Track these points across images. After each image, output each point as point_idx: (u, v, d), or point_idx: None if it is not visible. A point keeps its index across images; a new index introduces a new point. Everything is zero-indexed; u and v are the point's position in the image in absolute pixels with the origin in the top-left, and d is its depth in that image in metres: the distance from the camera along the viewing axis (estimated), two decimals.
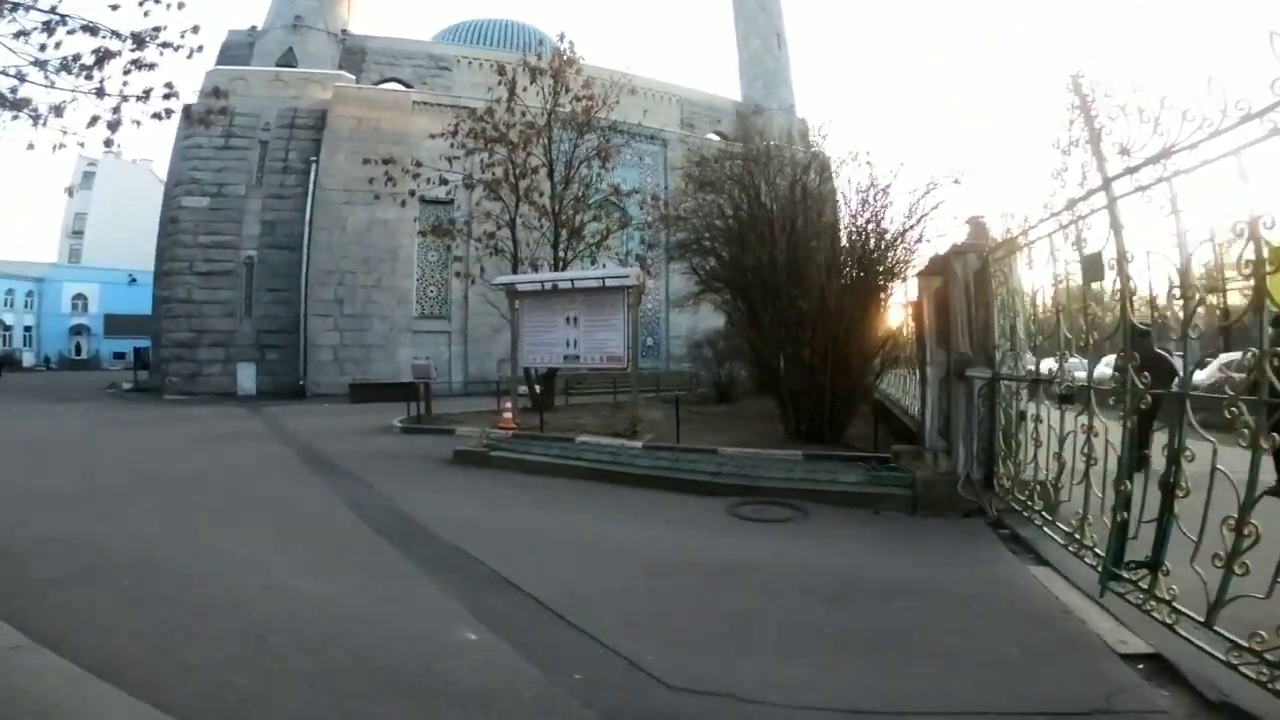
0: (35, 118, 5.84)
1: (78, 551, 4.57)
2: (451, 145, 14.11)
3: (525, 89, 14.44)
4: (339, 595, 3.83)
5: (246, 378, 22.33)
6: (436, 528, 5.41)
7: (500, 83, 14.33)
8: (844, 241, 9.74)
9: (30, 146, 6.31)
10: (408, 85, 27.21)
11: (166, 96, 6.25)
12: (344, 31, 27.30)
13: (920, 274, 8.55)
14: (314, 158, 22.57)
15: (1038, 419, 5.24)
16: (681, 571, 4.60)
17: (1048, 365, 5.33)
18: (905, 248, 9.82)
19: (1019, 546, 5.17)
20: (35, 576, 3.95)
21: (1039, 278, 5.37)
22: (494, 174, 14.61)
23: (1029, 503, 5.42)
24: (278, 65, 24.76)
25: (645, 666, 3.10)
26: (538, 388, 14.22)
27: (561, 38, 14.63)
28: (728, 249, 10.59)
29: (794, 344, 9.30)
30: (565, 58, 14.48)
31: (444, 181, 14.38)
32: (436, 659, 3.10)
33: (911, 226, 9.56)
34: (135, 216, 45.92)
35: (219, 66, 23.14)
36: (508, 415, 11.56)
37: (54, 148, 5.91)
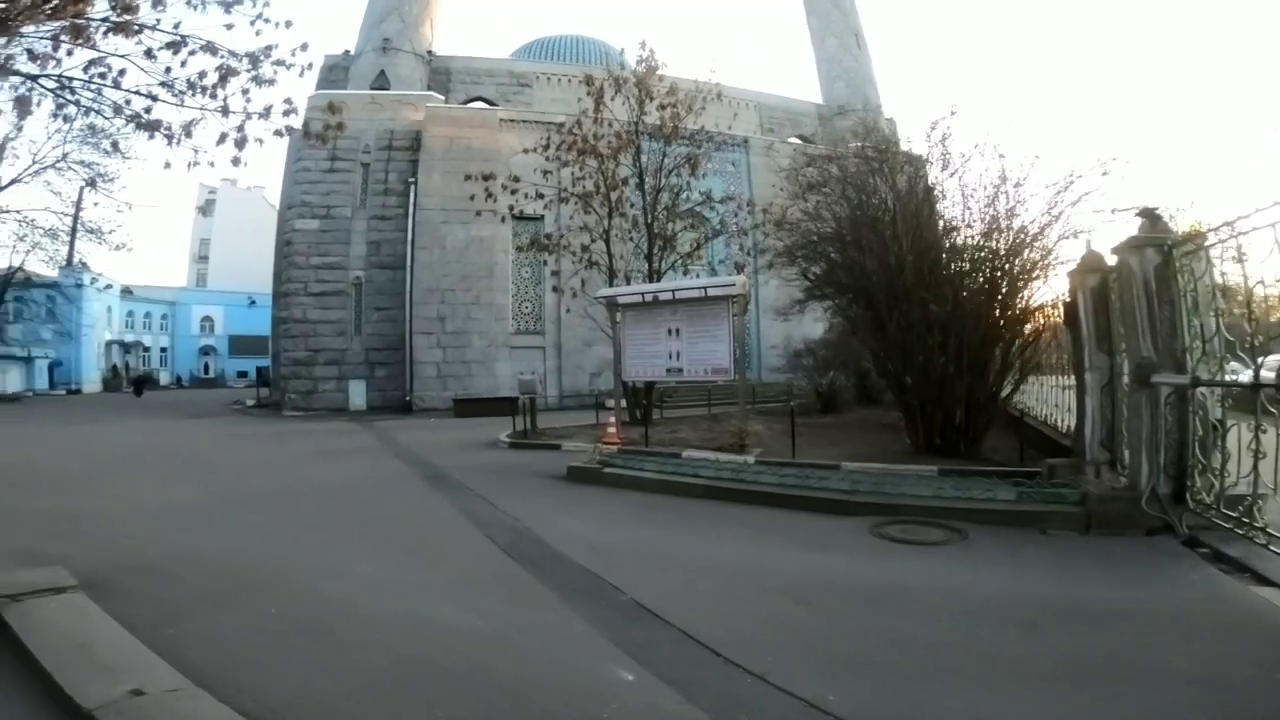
0: (169, 137, 6.02)
1: (219, 572, 4.61)
2: (547, 158, 14.24)
3: (612, 98, 14.37)
4: (483, 626, 3.63)
5: (357, 394, 23.42)
6: (564, 549, 5.19)
7: (588, 93, 14.34)
8: (974, 239, 8.96)
9: (167, 165, 6.60)
10: (491, 103, 28.02)
11: (286, 113, 6.37)
12: (429, 53, 28.35)
13: (1074, 271, 7.71)
14: (412, 179, 23.52)
15: (1259, 428, 4.50)
16: (838, 598, 4.20)
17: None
18: (1042, 246, 8.93)
19: (1229, 566, 4.54)
20: (182, 601, 3.95)
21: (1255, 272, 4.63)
22: (584, 187, 14.61)
23: (1243, 519, 4.70)
24: (371, 88, 25.94)
25: (828, 708, 2.75)
26: (643, 401, 14.00)
27: (643, 45, 14.52)
28: (842, 252, 9.99)
29: (924, 350, 8.60)
30: (648, 65, 14.31)
31: (540, 195, 14.52)
32: (598, 703, 2.81)
33: (1053, 221, 8.68)
34: (252, 241, 49.72)
35: (319, 91, 24.53)
36: (612, 430, 11.36)
37: (188, 165, 6.14)
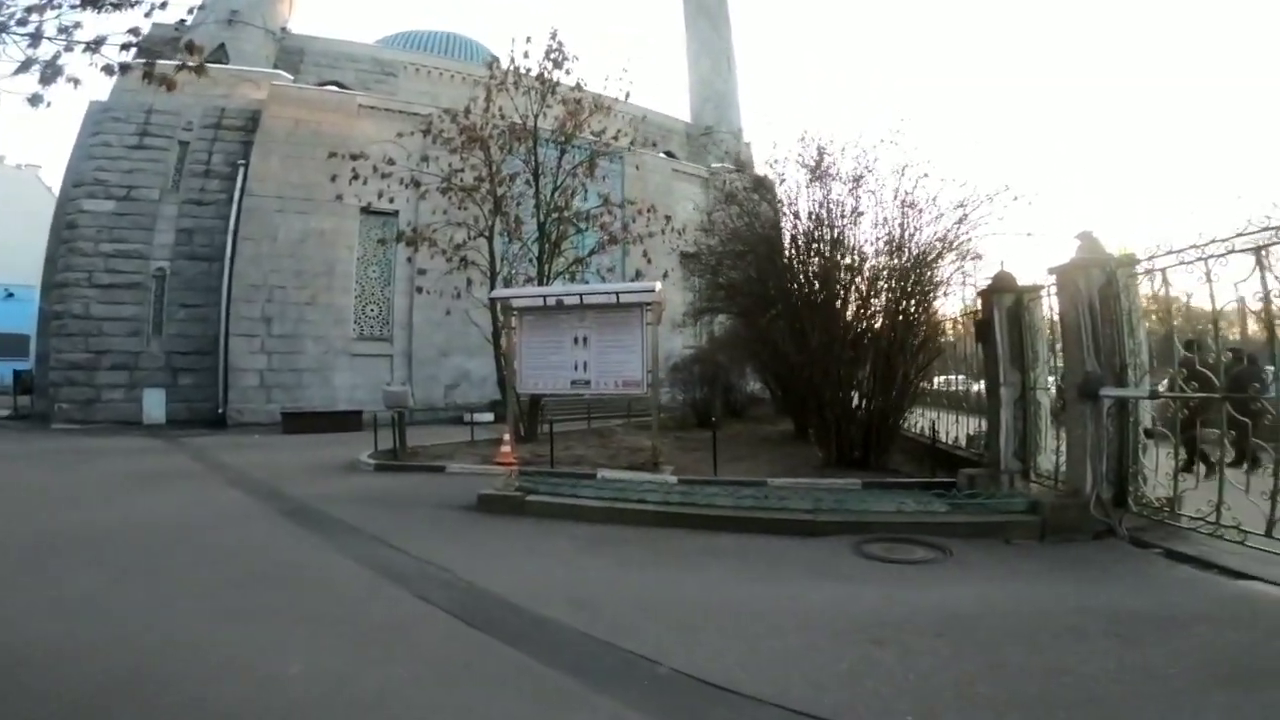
0: None
1: (36, 669, 2.87)
2: (435, 142, 12.55)
3: (514, 84, 13.03)
4: None
5: (155, 405, 19.26)
6: (537, 607, 3.97)
7: (490, 77, 12.91)
8: (883, 259, 8.97)
9: None
10: (347, 89, 25.12)
11: (126, 47, 4.80)
12: (283, 30, 24.91)
13: (987, 291, 7.90)
14: (242, 161, 20.02)
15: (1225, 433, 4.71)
16: (905, 633, 3.57)
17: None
18: (936, 267, 9.14)
19: (1194, 563, 4.71)
20: None
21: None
22: (462, 180, 12.97)
23: (1207, 519, 4.94)
24: (206, 62, 22.14)
25: None
26: (532, 416, 12.60)
27: (553, 36, 13.29)
28: (766, 263, 9.59)
29: (843, 364, 8.39)
30: (554, 58, 13.15)
31: (416, 184, 12.71)
32: None
33: (947, 246, 8.90)
34: (14, 226, 40.12)
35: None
36: (506, 449, 9.97)
37: None
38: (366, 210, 20.74)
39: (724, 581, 4.60)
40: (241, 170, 19.90)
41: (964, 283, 8.60)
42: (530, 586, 4.37)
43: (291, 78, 22.83)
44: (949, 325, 9.29)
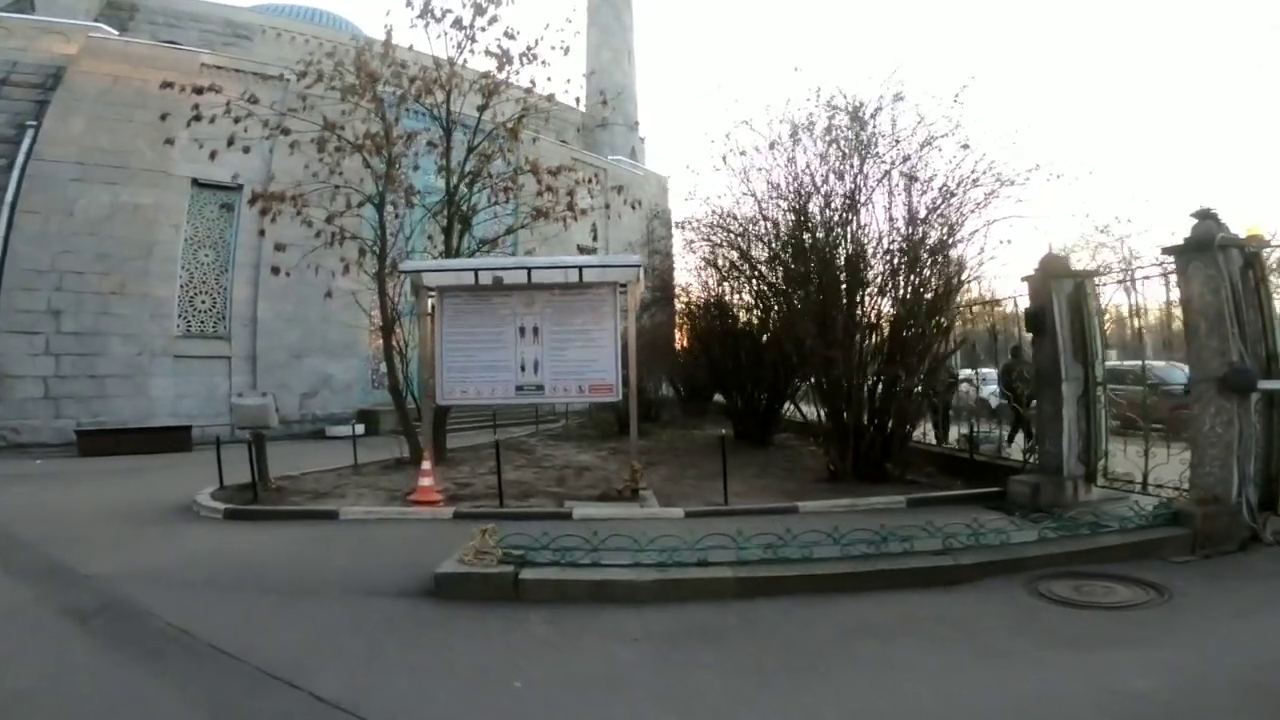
0: None
1: None
2: (321, 79, 9.38)
3: (426, 26, 10.15)
4: None
5: None
6: None
7: (408, 4, 9.97)
8: (898, 247, 7.49)
9: None
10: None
11: None
12: None
13: (1036, 277, 6.65)
14: (33, 123, 14.91)
15: None
16: None
17: None
18: (952, 259, 7.84)
19: None
20: None
21: None
22: (339, 136, 9.77)
23: None
24: (4, 11, 16.97)
25: None
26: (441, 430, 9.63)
27: None
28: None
29: (865, 359, 6.77)
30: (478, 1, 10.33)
31: (285, 132, 9.35)
32: None
33: (975, 231, 7.61)
34: None
35: None
36: (427, 481, 7.14)
37: None
38: (200, 183, 16.43)
39: (940, 680, 2.79)
40: (31, 132, 14.81)
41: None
42: None
43: (115, 32, 17.79)
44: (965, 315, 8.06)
